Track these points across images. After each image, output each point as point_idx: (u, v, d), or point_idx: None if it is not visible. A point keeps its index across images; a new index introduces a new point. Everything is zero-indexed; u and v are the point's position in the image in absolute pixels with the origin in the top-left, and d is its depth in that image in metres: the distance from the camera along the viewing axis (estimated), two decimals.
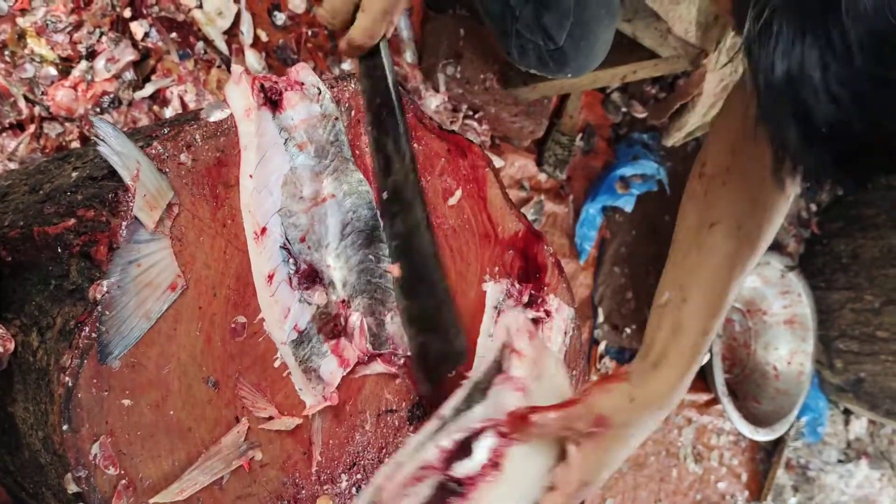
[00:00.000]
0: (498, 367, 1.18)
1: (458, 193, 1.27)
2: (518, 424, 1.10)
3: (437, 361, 1.18)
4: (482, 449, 1.09)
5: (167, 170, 0.98)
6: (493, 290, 1.33)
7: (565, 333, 1.37)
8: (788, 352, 3.45)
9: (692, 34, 1.93)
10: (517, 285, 1.33)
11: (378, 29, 1.09)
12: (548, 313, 1.33)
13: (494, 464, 1.09)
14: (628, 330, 3.01)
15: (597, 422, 1.10)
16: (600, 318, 2.91)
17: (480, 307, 1.32)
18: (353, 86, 1.17)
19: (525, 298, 1.32)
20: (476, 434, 1.10)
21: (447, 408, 1.13)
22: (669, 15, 1.87)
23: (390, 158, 1.14)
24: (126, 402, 0.95)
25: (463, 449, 1.09)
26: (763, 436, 3.21)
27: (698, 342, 1.14)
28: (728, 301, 1.16)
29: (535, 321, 1.33)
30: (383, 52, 1.13)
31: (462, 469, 1.08)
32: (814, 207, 3.82)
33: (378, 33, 1.10)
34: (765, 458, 3.62)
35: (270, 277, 1.05)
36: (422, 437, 1.10)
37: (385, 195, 1.15)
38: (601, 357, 2.90)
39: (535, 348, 1.19)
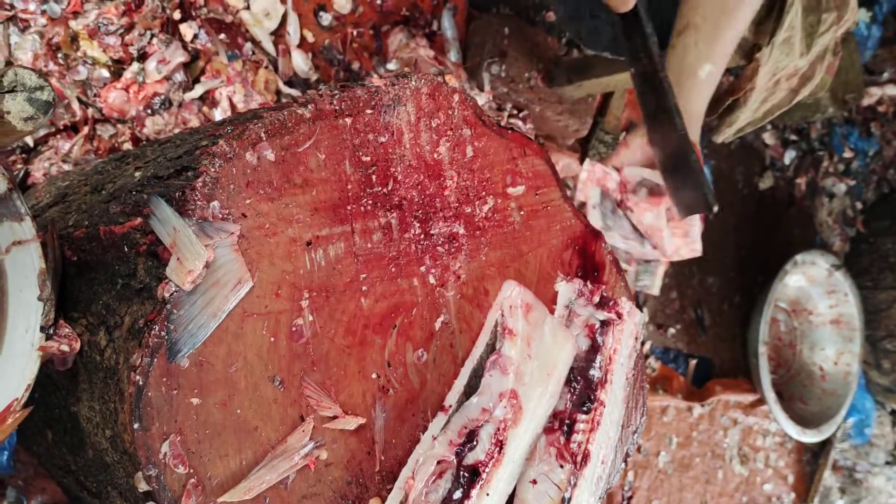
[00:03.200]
0: (492, 348, 1.21)
1: (521, 189, 1.26)
2: None
3: (691, 204, 1.64)
4: (485, 436, 1.15)
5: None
6: (565, 290, 1.31)
7: (636, 339, 1.35)
8: (835, 352, 3.39)
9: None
10: (589, 285, 1.32)
11: None
12: (619, 315, 1.31)
13: (498, 447, 1.15)
14: (673, 330, 2.98)
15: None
16: (645, 318, 2.88)
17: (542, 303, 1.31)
18: (413, 83, 1.16)
19: (596, 299, 1.30)
20: (478, 423, 1.16)
21: (450, 400, 1.19)
22: None
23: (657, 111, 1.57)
24: (194, 400, 0.94)
25: (469, 439, 1.14)
26: (809, 437, 3.16)
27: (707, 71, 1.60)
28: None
29: (606, 323, 1.31)
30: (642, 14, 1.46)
31: (472, 457, 1.13)
32: (859, 205, 3.76)
33: None
34: (811, 459, 3.57)
35: None
36: (433, 433, 1.15)
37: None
38: (646, 357, 2.87)
39: (530, 324, 1.22)
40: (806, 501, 3.47)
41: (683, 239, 1.75)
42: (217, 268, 0.96)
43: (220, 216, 0.97)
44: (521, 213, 1.27)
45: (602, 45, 1.87)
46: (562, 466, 1.27)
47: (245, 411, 0.99)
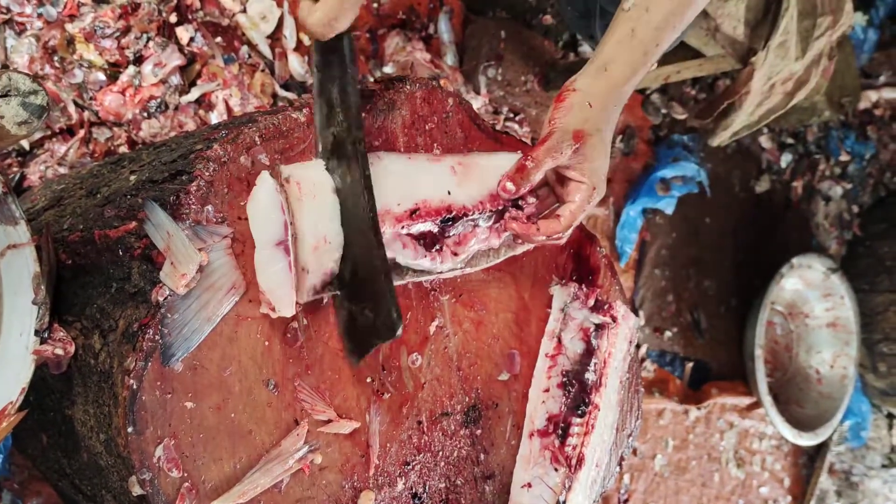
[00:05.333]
0: None
1: None
2: (520, 174, 1.14)
3: (367, 332, 1.06)
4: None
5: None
6: (560, 294, 1.32)
7: (630, 342, 1.35)
8: (831, 355, 3.40)
9: (741, 31, 1.90)
10: (584, 289, 1.32)
11: (337, 18, 1.12)
12: (614, 319, 1.31)
13: None
14: (669, 333, 2.98)
15: (575, 136, 1.14)
16: (641, 321, 2.89)
17: (536, 308, 1.31)
18: (407, 87, 1.17)
19: (591, 303, 1.31)
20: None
21: None
22: (718, 12, 1.85)
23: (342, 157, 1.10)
24: (189, 404, 0.94)
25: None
26: (806, 440, 3.17)
27: (649, 51, 1.18)
28: (686, 20, 1.20)
29: (600, 327, 1.32)
30: (346, 47, 1.16)
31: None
32: (856, 208, 3.77)
33: (337, 23, 1.12)
34: (807, 462, 3.57)
35: None
36: None
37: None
38: (642, 360, 2.87)
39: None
40: None
41: None
42: (211, 272, 0.96)
43: (215, 220, 0.97)
44: None
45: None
46: (556, 470, 1.27)
47: (239, 415, 0.99)
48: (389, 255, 1.08)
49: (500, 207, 1.16)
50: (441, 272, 1.16)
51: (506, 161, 1.18)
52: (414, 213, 1.09)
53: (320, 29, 1.12)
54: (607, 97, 1.17)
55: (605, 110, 1.16)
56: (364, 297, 1.06)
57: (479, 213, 1.15)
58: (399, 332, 1.02)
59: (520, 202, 1.17)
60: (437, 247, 1.12)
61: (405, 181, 1.10)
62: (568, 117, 1.15)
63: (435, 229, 1.12)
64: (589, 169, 1.14)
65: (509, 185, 1.14)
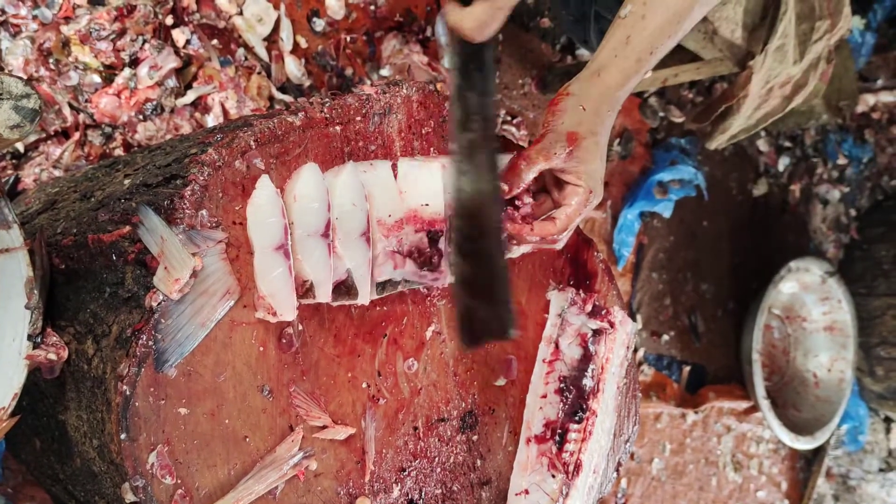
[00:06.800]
0: None
1: None
2: (512, 172, 1.15)
3: (482, 329, 1.14)
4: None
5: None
6: (558, 299, 1.31)
7: (627, 348, 1.34)
8: (828, 359, 3.39)
9: (738, 35, 1.90)
10: (581, 294, 1.31)
11: (488, 23, 1.09)
12: (611, 324, 1.31)
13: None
14: (667, 336, 2.98)
15: (569, 138, 1.14)
16: (638, 325, 2.88)
17: (533, 313, 1.31)
18: (404, 91, 1.16)
19: (588, 308, 1.30)
20: None
21: None
22: (716, 16, 1.84)
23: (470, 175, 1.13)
24: (182, 410, 0.94)
25: None
26: (803, 444, 3.16)
27: (643, 58, 1.18)
28: (683, 29, 1.19)
29: (598, 332, 1.31)
30: (489, 56, 1.14)
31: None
32: (853, 212, 3.76)
33: (488, 28, 1.10)
34: (805, 466, 3.57)
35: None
36: None
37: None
38: (640, 364, 2.87)
39: None
40: None
41: None
42: (205, 277, 0.95)
43: (209, 224, 0.96)
44: None
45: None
46: (554, 476, 1.26)
47: (234, 421, 0.98)
48: (383, 276, 1.09)
49: None
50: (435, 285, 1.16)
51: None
52: (405, 223, 1.09)
53: (474, 33, 1.10)
54: (601, 101, 1.17)
55: (598, 114, 1.17)
56: (484, 296, 1.12)
57: None
58: (512, 334, 1.11)
59: (516, 202, 1.16)
60: (430, 264, 1.12)
61: (396, 190, 1.10)
62: (561, 120, 1.15)
63: (425, 243, 1.11)
64: (584, 172, 1.14)
65: (502, 185, 1.14)
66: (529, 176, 1.14)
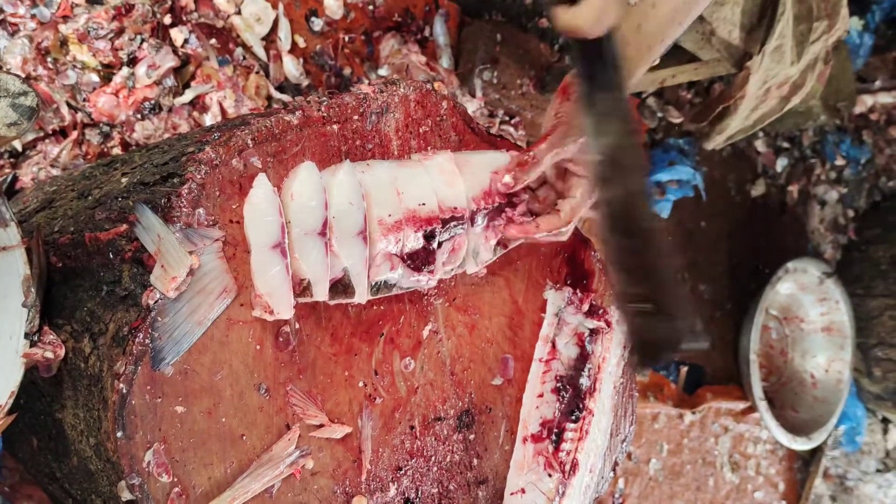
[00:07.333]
0: None
1: None
2: (521, 168, 1.14)
3: (660, 344, 1.10)
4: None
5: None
6: (555, 298, 1.31)
7: (624, 347, 1.34)
8: (826, 360, 3.39)
9: (736, 36, 1.90)
10: (578, 293, 1.31)
11: (605, 10, 1.00)
12: (608, 324, 1.31)
13: None
14: None
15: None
16: None
17: (530, 313, 1.31)
18: (401, 90, 1.16)
19: (585, 307, 1.30)
20: None
21: None
22: (713, 17, 1.84)
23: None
24: (179, 408, 0.94)
25: None
26: (800, 445, 3.16)
27: (653, 46, 1.17)
28: (692, 15, 1.18)
29: (595, 332, 1.31)
30: (612, 48, 1.05)
31: None
32: (851, 213, 3.76)
33: (606, 18, 1.01)
34: (802, 467, 3.57)
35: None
36: None
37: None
38: None
39: None
40: None
41: None
42: (202, 275, 0.95)
43: (206, 223, 0.96)
44: None
45: None
46: (550, 476, 1.27)
47: (230, 420, 0.98)
48: (378, 277, 1.08)
49: (493, 205, 1.16)
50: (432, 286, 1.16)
51: (495, 158, 1.17)
52: (403, 224, 1.09)
53: (593, 27, 1.01)
54: None
55: None
56: (662, 305, 1.06)
57: (476, 212, 1.14)
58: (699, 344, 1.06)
59: (513, 199, 1.16)
60: (427, 264, 1.12)
61: (394, 191, 1.10)
62: (574, 111, 1.13)
63: (422, 243, 1.11)
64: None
65: (507, 179, 1.13)
66: (540, 169, 1.14)
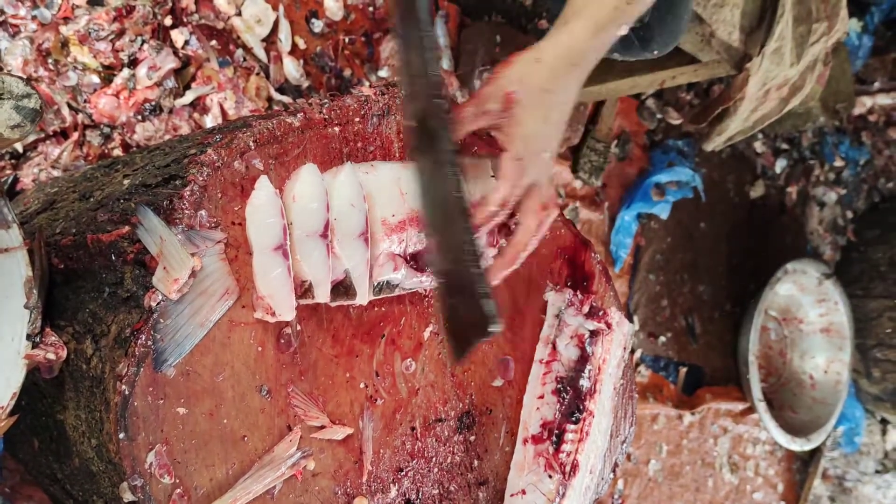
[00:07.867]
0: None
1: None
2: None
3: (467, 328, 1.02)
4: None
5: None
6: (555, 300, 1.31)
7: (624, 349, 1.35)
8: (825, 361, 3.40)
9: (736, 37, 1.90)
10: (579, 295, 1.32)
11: None
12: (608, 325, 1.31)
13: None
14: (664, 338, 2.98)
15: (505, 100, 1.03)
16: (635, 326, 2.89)
17: (530, 314, 1.31)
18: (402, 92, 1.16)
19: (586, 309, 1.30)
20: None
21: None
22: (713, 18, 1.85)
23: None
24: (181, 410, 0.94)
25: None
26: (799, 445, 3.17)
27: (620, 6, 1.05)
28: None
29: (595, 333, 1.31)
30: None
31: None
32: (850, 214, 3.77)
33: None
34: (801, 468, 3.57)
35: None
36: None
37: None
38: (637, 365, 2.87)
39: None
40: None
41: None
42: (204, 277, 0.95)
43: (208, 225, 0.97)
44: None
45: (612, 48, 1.82)
46: (550, 477, 1.27)
47: (232, 421, 0.98)
48: (381, 277, 1.08)
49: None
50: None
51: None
52: (407, 224, 1.09)
53: None
54: (564, 54, 1.05)
55: (554, 69, 1.04)
56: (461, 291, 0.99)
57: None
58: (495, 329, 0.97)
59: (511, 226, 1.15)
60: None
61: (398, 191, 1.10)
62: (507, 72, 1.04)
63: (425, 245, 1.11)
64: (518, 136, 1.03)
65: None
66: (463, 131, 1.07)
